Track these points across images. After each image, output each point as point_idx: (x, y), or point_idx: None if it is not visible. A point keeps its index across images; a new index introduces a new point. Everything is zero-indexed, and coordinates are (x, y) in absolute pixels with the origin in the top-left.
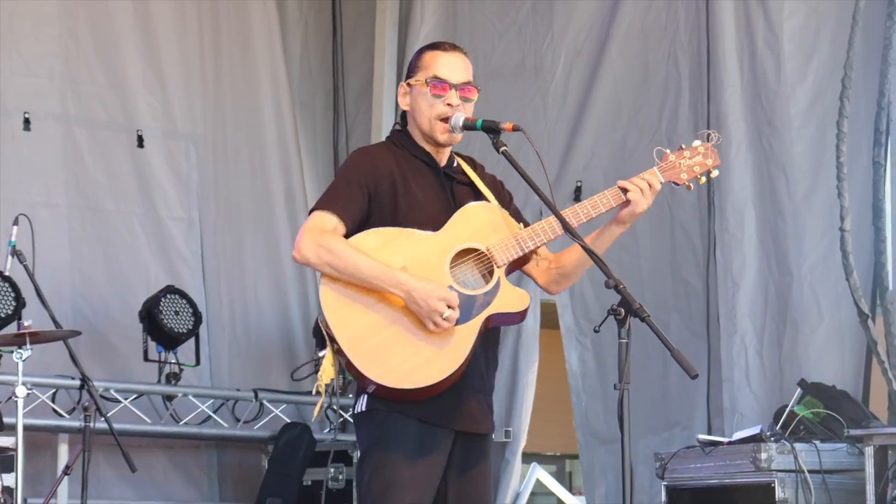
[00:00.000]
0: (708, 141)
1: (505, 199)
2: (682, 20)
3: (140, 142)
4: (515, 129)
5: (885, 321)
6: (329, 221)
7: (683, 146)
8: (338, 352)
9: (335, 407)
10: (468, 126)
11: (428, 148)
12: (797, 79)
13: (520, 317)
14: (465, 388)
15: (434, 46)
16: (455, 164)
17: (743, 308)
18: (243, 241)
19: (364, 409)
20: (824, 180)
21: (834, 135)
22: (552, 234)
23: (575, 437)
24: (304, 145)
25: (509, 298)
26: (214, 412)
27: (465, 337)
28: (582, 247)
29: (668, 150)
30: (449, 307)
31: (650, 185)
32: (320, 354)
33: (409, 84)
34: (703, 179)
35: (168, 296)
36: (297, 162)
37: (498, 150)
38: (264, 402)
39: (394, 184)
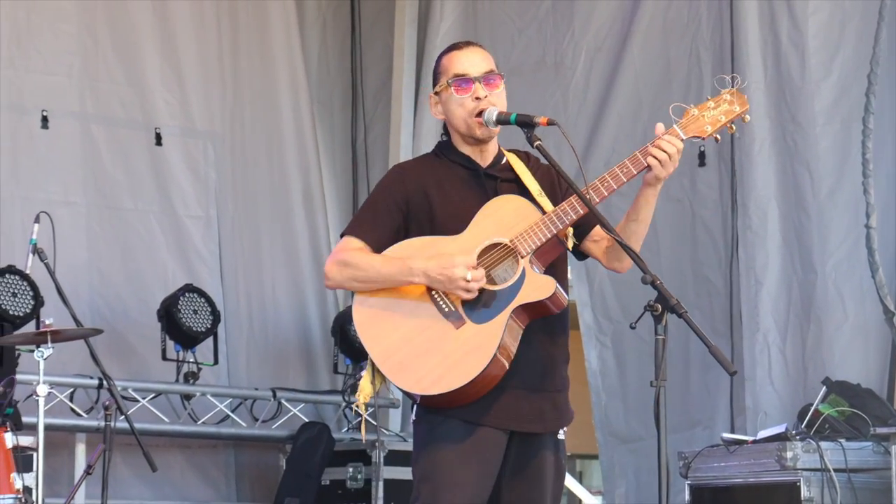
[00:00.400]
0: (732, 85)
1: (560, 187)
2: (704, 16)
3: (158, 140)
4: (550, 123)
5: None
6: (352, 244)
7: (709, 97)
8: (377, 370)
9: (353, 406)
10: (501, 120)
11: (469, 150)
12: (822, 75)
13: (551, 304)
14: (518, 386)
15: (449, 49)
16: (504, 162)
17: (766, 306)
18: (261, 240)
19: (414, 418)
20: (849, 177)
21: (859, 131)
22: (574, 214)
23: (585, 437)
24: (322, 143)
25: (534, 287)
26: (232, 411)
27: (492, 334)
28: (616, 241)
29: (691, 105)
30: (471, 268)
31: (675, 147)
32: (361, 374)
33: (436, 93)
34: (734, 128)
35: (187, 294)
36: (316, 160)
37: (532, 145)
38: (282, 401)
39: (427, 195)
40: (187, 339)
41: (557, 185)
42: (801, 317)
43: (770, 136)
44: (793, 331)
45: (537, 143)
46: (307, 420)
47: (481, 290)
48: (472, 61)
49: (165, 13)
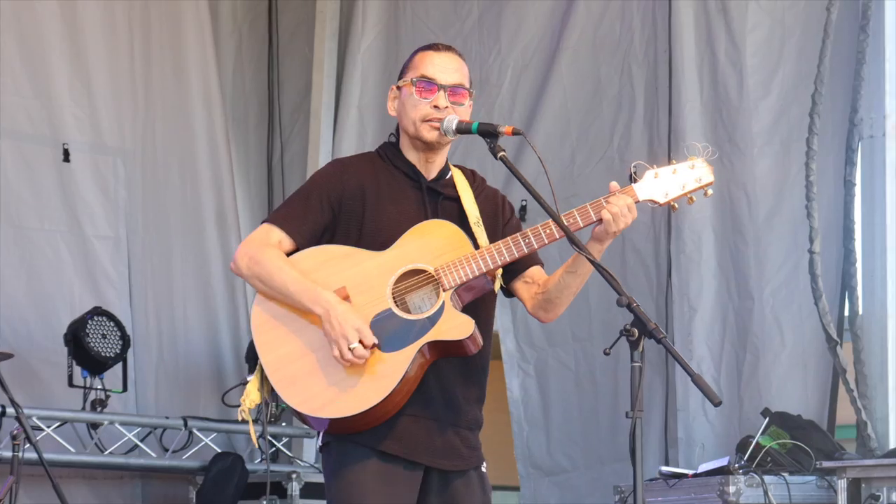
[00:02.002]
0: (702, 155)
1: (503, 217)
2: (637, 32)
3: (66, 156)
4: (515, 132)
5: (854, 348)
6: (273, 235)
7: (674, 161)
8: (266, 377)
9: (267, 435)
10: (462, 129)
11: (416, 157)
12: (761, 94)
13: (466, 346)
14: (430, 419)
15: (427, 47)
16: (448, 177)
17: (700, 334)
18: (172, 262)
19: (321, 442)
20: (788, 200)
21: (799, 153)
22: (509, 256)
23: (505, 469)
24: (237, 161)
25: (451, 325)
26: (141, 441)
27: (399, 364)
28: (590, 261)
29: (654, 166)
30: (362, 343)
31: (627, 206)
32: (249, 378)
33: (397, 87)
34: (694, 199)
35: (95, 318)
36: (230, 179)
37: (496, 156)
38: (194, 430)
39: (363, 199)
40: (95, 365)
41: (500, 214)
42: (736, 345)
43: (709, 158)
44: (728, 360)
45: (501, 153)
46: (219, 450)
47: (392, 316)
48: (444, 67)
49: (75, 24)
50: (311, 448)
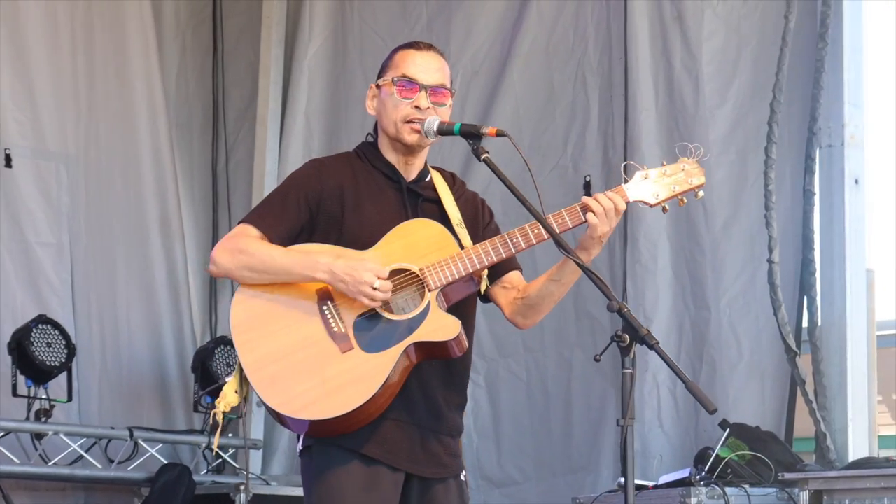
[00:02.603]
0: (692, 156)
1: (483, 219)
2: (591, 40)
3: (7, 161)
4: (499, 133)
5: (813, 359)
6: (251, 233)
7: (665, 162)
8: (245, 379)
9: (212, 446)
10: (443, 130)
11: (395, 158)
12: (717, 102)
13: (451, 347)
14: (413, 425)
15: (408, 45)
16: (428, 179)
17: (657, 342)
18: (115, 269)
19: (301, 447)
20: (745, 209)
21: (755, 161)
22: (496, 257)
23: None
24: (181, 168)
25: (436, 326)
26: (86, 451)
27: (382, 365)
28: (578, 265)
29: (644, 166)
30: (378, 278)
31: (615, 206)
32: (227, 380)
33: (377, 86)
34: (685, 201)
35: (40, 326)
36: (174, 185)
37: (479, 158)
38: (139, 441)
39: (342, 199)
40: (40, 374)
41: (480, 216)
42: (693, 356)
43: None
44: (684, 370)
45: (485, 155)
46: (165, 461)
47: (376, 316)
48: (426, 67)
49: (16, 26)
50: (256, 459)
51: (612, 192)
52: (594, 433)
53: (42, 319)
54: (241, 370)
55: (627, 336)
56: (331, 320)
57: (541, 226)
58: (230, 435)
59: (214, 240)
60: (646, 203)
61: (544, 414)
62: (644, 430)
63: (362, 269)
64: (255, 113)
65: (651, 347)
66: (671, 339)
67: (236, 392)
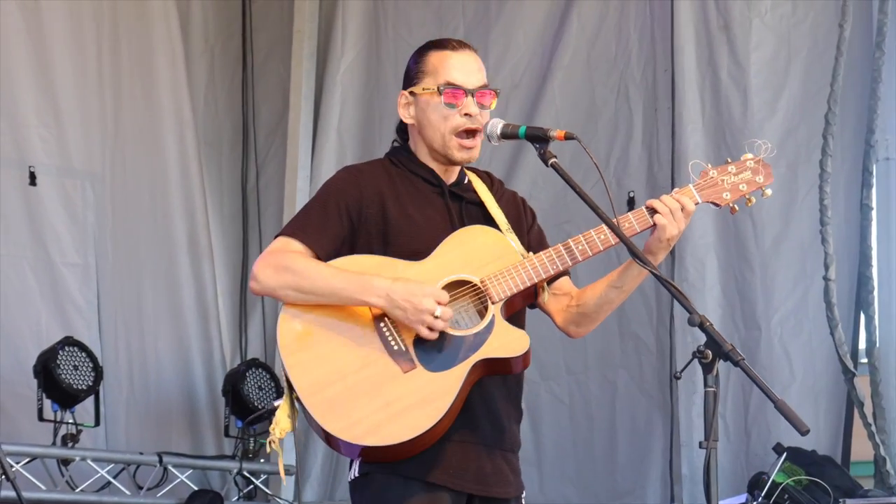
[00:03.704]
0: (759, 153)
1: (526, 221)
2: (634, 51)
3: (32, 179)
4: (568, 137)
5: (871, 380)
6: (293, 247)
7: (729, 160)
8: (297, 400)
9: (245, 472)
10: (508, 134)
11: (434, 165)
12: (765, 115)
13: (519, 363)
14: (479, 444)
15: (439, 45)
16: (466, 182)
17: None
18: (143, 290)
19: (357, 474)
20: (796, 225)
21: (806, 175)
22: (562, 265)
23: None
24: (210, 186)
25: (504, 341)
26: (114, 477)
27: (449, 385)
28: (656, 276)
29: (708, 165)
30: (439, 304)
31: (683, 207)
32: (276, 404)
33: (412, 93)
34: (753, 200)
35: (66, 348)
36: (202, 204)
37: (546, 163)
38: (169, 467)
39: (383, 207)
40: (66, 398)
41: (524, 218)
42: (743, 377)
43: None
44: (734, 392)
45: (552, 160)
46: (196, 488)
47: (440, 333)
48: (468, 69)
49: (42, 42)
50: (290, 485)
51: (679, 193)
52: (640, 458)
53: (69, 341)
54: (292, 393)
55: (710, 352)
56: (389, 338)
57: (606, 231)
58: (262, 461)
59: (245, 260)
60: (715, 204)
61: (588, 438)
62: (693, 454)
63: (422, 295)
64: (286, 129)
65: (736, 364)
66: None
67: (289, 417)
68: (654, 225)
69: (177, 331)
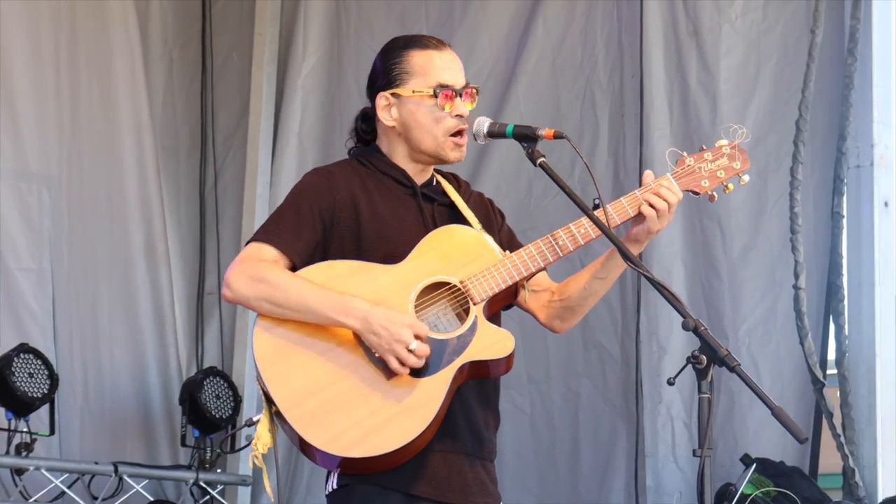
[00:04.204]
0: (735, 139)
1: (496, 221)
2: (601, 56)
3: None
4: (557, 136)
5: (841, 391)
6: (266, 254)
7: (704, 147)
8: (276, 414)
9: (201, 482)
10: (495, 133)
11: (410, 166)
12: (735, 121)
13: (504, 364)
14: (461, 453)
15: (418, 44)
16: (435, 183)
17: (670, 376)
18: (99, 296)
19: (335, 486)
20: (765, 234)
21: (776, 183)
22: (542, 262)
23: None
24: (167, 191)
25: (489, 342)
26: (69, 487)
27: (435, 391)
28: (647, 278)
29: (684, 153)
30: (417, 338)
31: (671, 198)
32: (255, 419)
33: (394, 94)
34: (731, 187)
35: (21, 355)
36: (160, 209)
37: (535, 163)
38: (124, 477)
39: (356, 209)
40: (21, 406)
41: (493, 218)
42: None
43: None
44: (700, 402)
45: (541, 159)
46: (151, 498)
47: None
48: (454, 69)
49: None
50: (245, 496)
51: (661, 183)
52: (603, 469)
53: (24, 348)
54: (271, 406)
55: (705, 357)
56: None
57: (585, 225)
58: (218, 471)
59: (202, 266)
60: (694, 192)
61: (550, 449)
62: (658, 465)
63: (401, 325)
64: (246, 134)
65: (732, 369)
66: (686, 369)
67: (269, 431)
68: (642, 215)
69: (132, 338)
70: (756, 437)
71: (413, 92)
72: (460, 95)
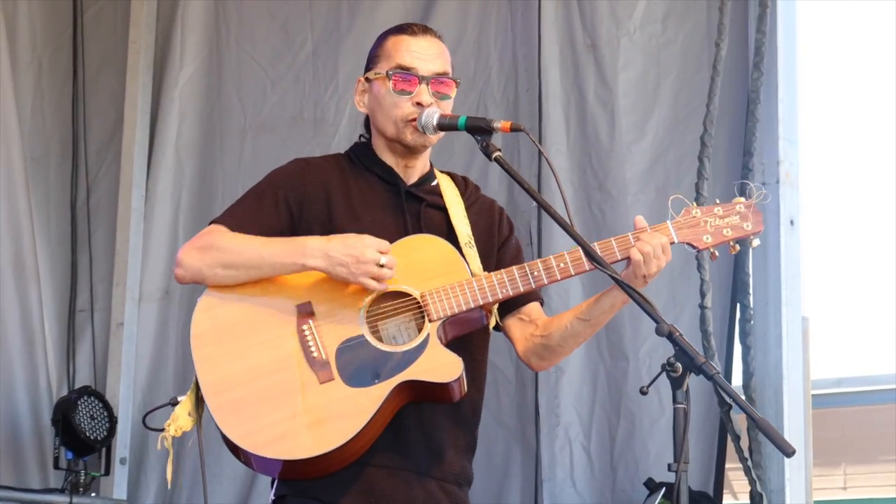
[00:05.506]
0: (750, 197)
1: (500, 233)
2: (494, 69)
3: None
4: (515, 128)
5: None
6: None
7: (718, 201)
8: (201, 399)
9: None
10: (445, 125)
11: (393, 160)
12: (634, 137)
13: (450, 391)
14: (409, 471)
15: (399, 30)
16: (434, 184)
17: (567, 397)
18: None
19: (273, 497)
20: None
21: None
22: (512, 290)
23: None
24: (36, 204)
25: (434, 364)
26: None
27: (367, 404)
28: (616, 281)
29: (693, 203)
30: (381, 252)
31: (662, 245)
32: (179, 399)
33: (366, 79)
34: (736, 248)
35: None
36: (28, 223)
37: (490, 157)
38: None
39: (329, 204)
40: None
41: (496, 231)
42: (608, 410)
43: (573, 206)
44: (599, 425)
45: (496, 154)
46: None
47: (364, 343)
48: (423, 54)
49: None
50: (122, 479)
51: (655, 231)
52: (497, 493)
53: None
54: (198, 389)
55: (680, 365)
56: (311, 343)
57: (567, 260)
58: (93, 495)
59: (73, 283)
60: (693, 246)
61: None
62: (555, 489)
63: (362, 246)
64: (120, 145)
65: (710, 378)
66: (584, 391)
67: (190, 415)
68: (628, 259)
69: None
70: (658, 460)
71: (376, 75)
72: (426, 83)
